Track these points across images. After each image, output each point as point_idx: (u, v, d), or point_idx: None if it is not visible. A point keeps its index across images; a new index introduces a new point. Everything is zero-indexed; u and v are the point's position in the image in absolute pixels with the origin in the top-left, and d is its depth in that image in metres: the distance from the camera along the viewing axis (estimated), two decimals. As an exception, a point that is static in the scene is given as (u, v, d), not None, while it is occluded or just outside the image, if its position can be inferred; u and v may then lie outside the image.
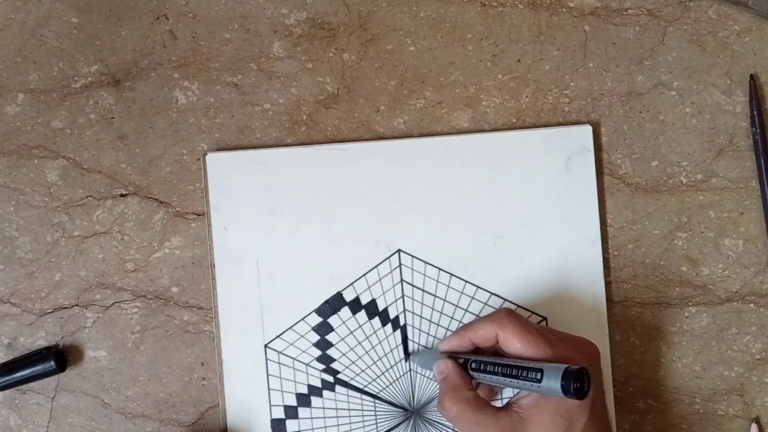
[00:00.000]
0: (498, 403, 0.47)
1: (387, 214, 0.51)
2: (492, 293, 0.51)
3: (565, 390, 0.39)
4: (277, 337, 0.51)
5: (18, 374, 0.51)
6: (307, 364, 0.51)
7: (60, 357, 0.52)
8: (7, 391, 0.52)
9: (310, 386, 0.51)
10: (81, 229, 0.52)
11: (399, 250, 0.51)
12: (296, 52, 0.52)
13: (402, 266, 0.51)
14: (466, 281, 0.51)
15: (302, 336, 0.51)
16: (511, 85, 0.52)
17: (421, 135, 0.52)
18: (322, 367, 0.51)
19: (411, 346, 0.52)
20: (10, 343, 0.52)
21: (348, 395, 0.51)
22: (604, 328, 0.51)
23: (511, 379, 0.42)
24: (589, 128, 0.51)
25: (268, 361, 0.51)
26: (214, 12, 0.52)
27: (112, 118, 0.53)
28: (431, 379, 0.51)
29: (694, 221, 0.52)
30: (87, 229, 0.52)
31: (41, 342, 0.52)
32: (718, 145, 0.52)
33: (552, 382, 0.40)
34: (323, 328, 0.51)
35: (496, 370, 0.43)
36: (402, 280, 0.51)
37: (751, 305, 0.52)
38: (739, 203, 0.52)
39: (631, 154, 0.52)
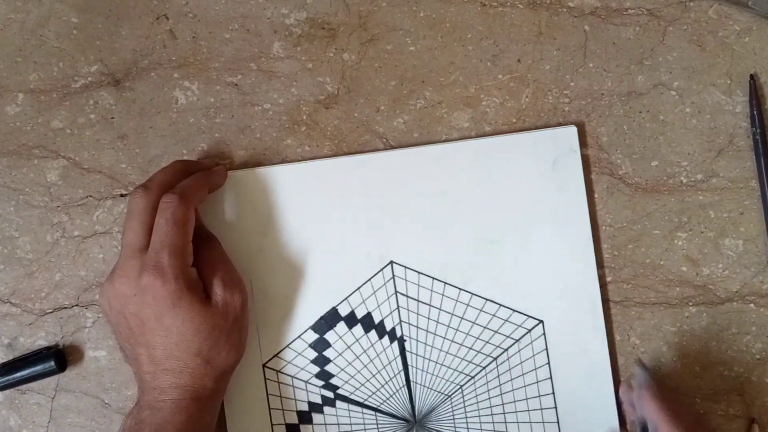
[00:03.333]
0: None
1: (377, 226, 0.51)
2: (487, 299, 0.51)
3: None
4: (275, 356, 0.51)
5: (18, 374, 0.51)
6: (306, 382, 0.51)
7: (60, 357, 0.52)
8: (7, 391, 0.52)
9: (310, 403, 0.51)
10: (81, 229, 0.52)
11: (392, 262, 0.51)
12: (296, 52, 0.52)
13: (395, 278, 0.51)
14: (461, 289, 0.51)
15: (300, 353, 0.51)
16: (511, 85, 0.52)
17: (420, 135, 0.52)
18: (322, 383, 0.51)
19: (409, 358, 0.51)
20: (10, 343, 0.52)
21: (349, 410, 0.51)
22: (602, 329, 0.51)
23: None
24: (574, 129, 0.51)
25: (267, 381, 0.51)
26: (214, 12, 0.52)
27: (112, 118, 0.53)
28: (432, 388, 0.51)
29: (694, 221, 0.52)
30: (87, 229, 0.52)
31: (41, 342, 0.52)
32: (718, 145, 0.52)
33: None
34: (320, 344, 0.51)
35: None
36: (396, 292, 0.51)
37: (751, 305, 0.52)
38: (739, 203, 0.52)
39: (631, 154, 0.52)
